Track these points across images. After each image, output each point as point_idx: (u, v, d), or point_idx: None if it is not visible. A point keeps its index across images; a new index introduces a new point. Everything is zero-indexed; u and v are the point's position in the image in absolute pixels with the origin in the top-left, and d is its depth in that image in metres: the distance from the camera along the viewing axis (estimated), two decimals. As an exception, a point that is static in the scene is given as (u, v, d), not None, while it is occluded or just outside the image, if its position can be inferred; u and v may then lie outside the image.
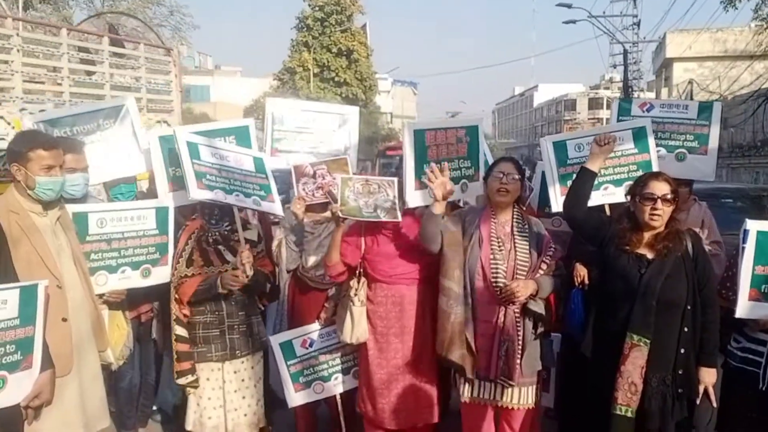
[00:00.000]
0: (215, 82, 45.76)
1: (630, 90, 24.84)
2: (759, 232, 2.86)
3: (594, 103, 51.87)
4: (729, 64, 17.81)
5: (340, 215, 3.22)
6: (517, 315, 3.09)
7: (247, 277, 3.29)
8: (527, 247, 3.17)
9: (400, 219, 3.23)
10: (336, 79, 31.63)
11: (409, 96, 60.32)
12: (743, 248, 2.86)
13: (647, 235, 2.85)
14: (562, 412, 3.71)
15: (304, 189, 3.68)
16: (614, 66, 30.55)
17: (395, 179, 3.31)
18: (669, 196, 2.80)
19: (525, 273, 3.12)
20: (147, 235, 3.33)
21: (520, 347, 3.07)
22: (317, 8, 31.82)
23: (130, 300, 3.44)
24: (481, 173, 3.61)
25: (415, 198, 3.43)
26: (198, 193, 3.24)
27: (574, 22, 22.68)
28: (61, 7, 25.75)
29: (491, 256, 3.12)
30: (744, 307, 2.86)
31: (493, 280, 3.09)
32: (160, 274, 3.37)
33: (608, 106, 38.87)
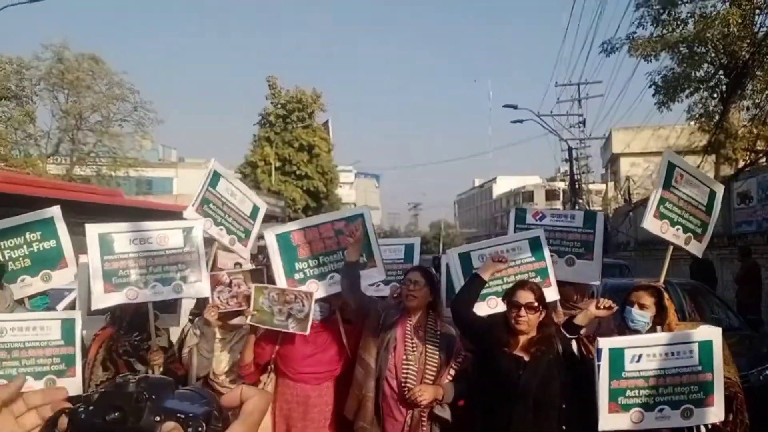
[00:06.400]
0: (179, 174, 46.06)
1: (578, 184, 25.91)
2: (611, 349, 3.00)
3: (550, 194, 53.65)
4: (670, 159, 18.81)
5: (249, 322, 3.35)
6: (423, 417, 3.20)
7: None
8: (437, 351, 3.32)
9: (308, 332, 3.34)
10: (297, 172, 32.16)
11: (372, 188, 61.65)
12: (599, 366, 2.98)
13: (522, 339, 3.03)
14: None
15: (218, 297, 3.75)
16: (565, 160, 31.95)
17: (313, 293, 3.43)
18: (533, 304, 3.00)
19: (433, 376, 3.26)
20: (51, 345, 3.32)
21: (424, 449, 3.16)
22: (280, 106, 32.77)
23: None
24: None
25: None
26: (104, 300, 3.32)
27: (521, 121, 23.88)
28: (24, 102, 25.99)
29: (404, 356, 3.27)
30: (605, 420, 2.96)
31: (403, 380, 3.23)
32: (69, 386, 3.36)
33: (564, 197, 40.28)
